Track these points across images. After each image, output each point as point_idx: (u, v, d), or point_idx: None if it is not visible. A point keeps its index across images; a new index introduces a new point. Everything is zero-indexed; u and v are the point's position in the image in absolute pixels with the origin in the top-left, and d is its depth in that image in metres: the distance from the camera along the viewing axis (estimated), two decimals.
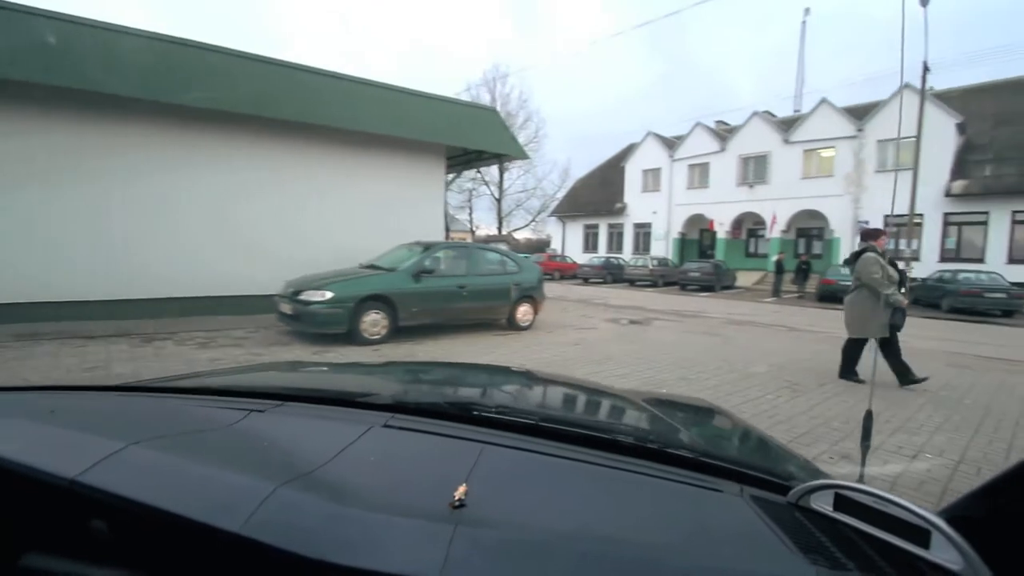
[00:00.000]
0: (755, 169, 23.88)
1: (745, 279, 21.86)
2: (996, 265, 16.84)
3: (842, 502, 0.64)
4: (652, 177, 28.16)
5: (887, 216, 19.85)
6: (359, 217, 8.93)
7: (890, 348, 5.00)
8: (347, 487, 0.61)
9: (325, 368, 1.78)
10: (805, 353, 6.90)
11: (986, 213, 18.02)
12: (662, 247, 27.21)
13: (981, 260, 17.69)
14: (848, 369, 5.30)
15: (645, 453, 0.79)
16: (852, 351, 5.27)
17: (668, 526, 0.63)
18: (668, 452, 0.80)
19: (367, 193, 9.09)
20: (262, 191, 7.97)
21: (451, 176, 22.27)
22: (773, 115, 24.88)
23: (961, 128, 18.72)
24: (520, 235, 49.86)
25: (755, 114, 24.05)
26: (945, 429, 3.84)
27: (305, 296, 5.91)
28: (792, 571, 0.54)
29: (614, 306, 12.74)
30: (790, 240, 23.46)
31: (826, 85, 58.55)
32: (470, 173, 42.76)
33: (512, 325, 7.53)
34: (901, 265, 6.96)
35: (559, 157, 55.83)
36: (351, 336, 6.00)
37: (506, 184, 45.17)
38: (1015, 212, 17.46)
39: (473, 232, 50.43)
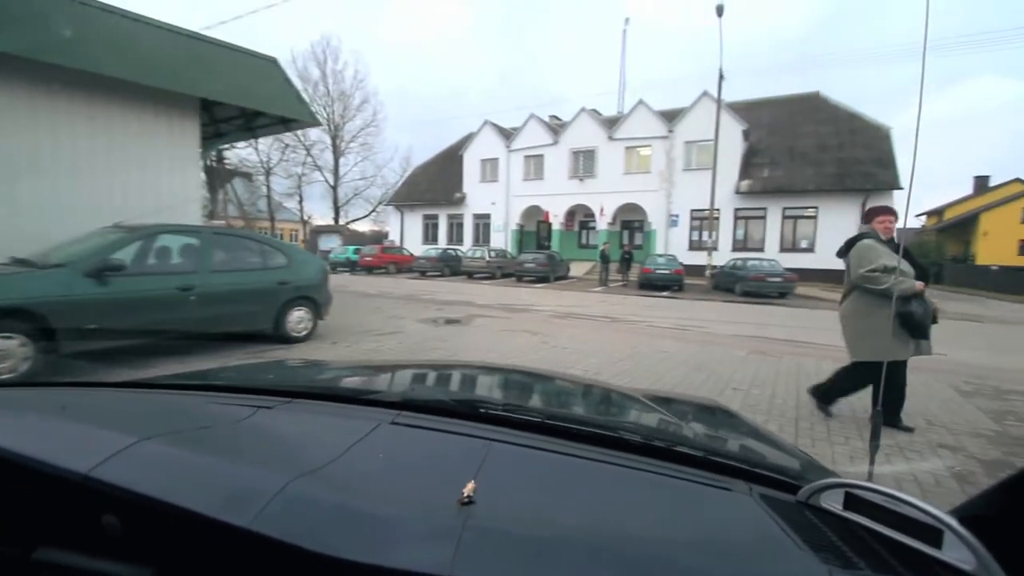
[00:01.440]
0: (584, 163, 24.79)
1: (578, 269, 22.52)
2: (772, 253, 19.62)
3: (853, 501, 0.64)
4: (490, 167, 27.70)
5: (693, 211, 22.13)
6: (100, 185, 6.60)
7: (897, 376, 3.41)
8: (356, 483, 0.61)
9: (333, 366, 1.76)
10: (623, 350, 6.35)
11: (764, 209, 20.95)
12: (501, 238, 26.97)
13: (761, 249, 20.51)
14: (830, 398, 3.82)
15: (653, 451, 0.78)
16: (858, 378, 3.61)
17: (677, 524, 0.62)
18: (676, 450, 0.80)
19: (107, 155, 6.75)
20: None
21: (225, 146, 18.43)
22: (599, 113, 26.08)
23: (746, 135, 21.47)
24: (362, 227, 46.31)
25: (583, 110, 24.92)
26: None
27: None
28: (803, 570, 0.54)
29: (441, 302, 11.46)
30: (616, 232, 24.92)
31: (645, 86, 65.08)
32: (297, 151, 38.28)
33: (281, 336, 5.65)
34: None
35: (402, 143, 53.13)
36: None
37: (342, 170, 41.41)
38: (785, 208, 20.57)
39: (305, 222, 45.36)
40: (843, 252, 3.65)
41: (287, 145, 38.85)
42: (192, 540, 0.54)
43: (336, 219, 41.26)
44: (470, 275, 21.36)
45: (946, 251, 35.63)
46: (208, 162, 36.91)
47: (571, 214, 25.95)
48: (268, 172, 40.43)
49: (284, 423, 0.82)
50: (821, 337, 8.10)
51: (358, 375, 1.48)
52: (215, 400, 0.92)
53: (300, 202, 43.67)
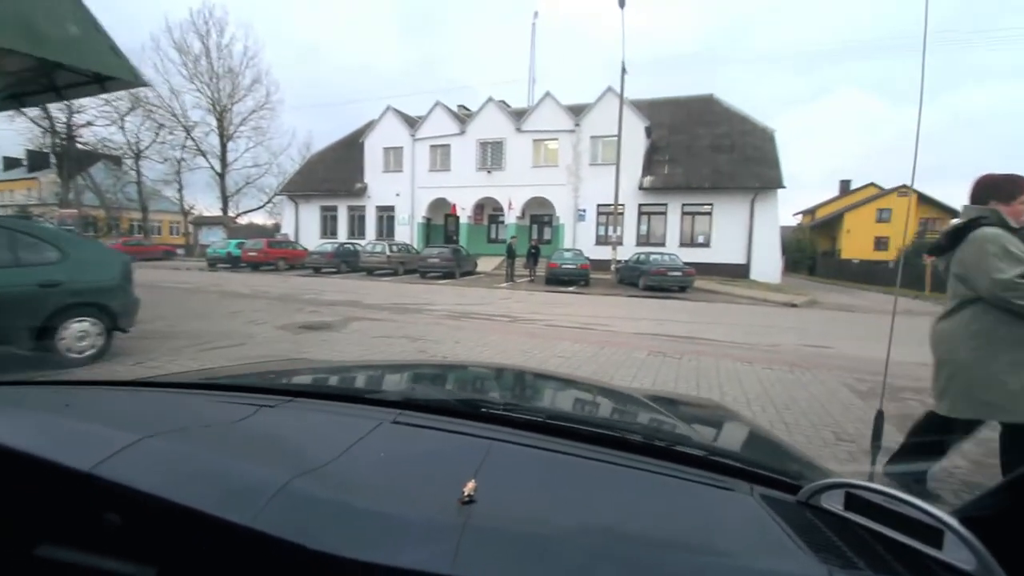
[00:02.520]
0: (492, 155, 24.01)
1: (487, 264, 21.72)
2: (673, 248, 20.17)
3: (853, 501, 0.64)
4: (394, 156, 26.03)
5: (600, 205, 22.22)
6: None
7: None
8: (357, 482, 0.61)
9: (334, 365, 1.78)
10: (514, 356, 5.57)
11: (665, 205, 21.52)
12: (407, 232, 25.49)
13: (664, 244, 21.04)
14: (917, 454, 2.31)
15: (653, 451, 0.78)
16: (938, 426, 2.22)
17: (678, 524, 0.62)
18: (676, 450, 0.79)
19: None
20: None
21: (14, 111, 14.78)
22: (507, 104, 25.39)
23: (649, 132, 21.89)
24: (256, 218, 42.00)
25: (490, 100, 24.10)
26: None
27: None
28: (803, 570, 0.54)
29: (323, 302, 10.04)
30: (525, 226, 24.48)
31: (558, 82, 65.78)
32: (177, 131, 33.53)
33: (50, 358, 4.13)
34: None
35: (303, 129, 48.68)
36: None
37: (232, 156, 37.12)
38: (684, 204, 21.25)
39: (186, 213, 40.32)
40: (946, 246, 2.21)
41: (161, 125, 34.17)
42: (194, 538, 0.53)
43: (224, 210, 36.98)
44: (370, 272, 19.77)
45: (818, 246, 39.60)
46: (57, 141, 31.37)
47: (480, 207, 25.10)
48: (138, 156, 35.34)
49: (286, 422, 0.82)
50: (718, 332, 7.92)
51: (360, 374, 1.49)
52: (217, 399, 0.93)
53: (180, 190, 38.76)
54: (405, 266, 19.62)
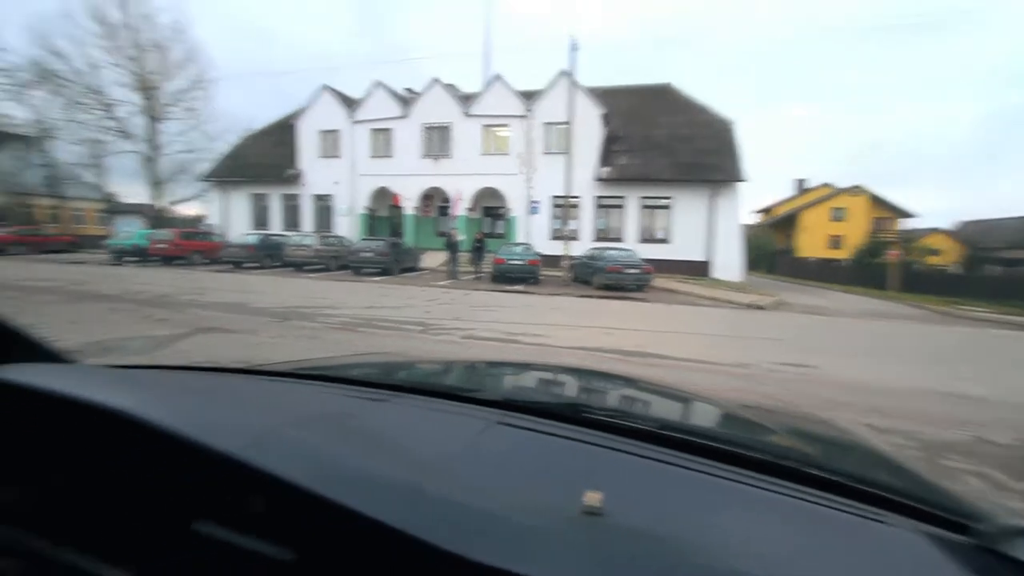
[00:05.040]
0: (439, 141, 22.09)
1: (434, 260, 19.87)
2: (632, 244, 18.87)
3: None
4: (331, 141, 23.70)
5: (555, 197, 20.69)
6: None
7: None
8: (476, 484, 0.61)
9: (432, 360, 1.79)
10: None
11: (623, 197, 20.19)
12: (349, 224, 23.28)
13: (621, 240, 19.72)
14: None
15: (780, 471, 0.70)
16: None
17: (824, 557, 0.56)
18: (809, 473, 0.71)
19: None
20: None
21: None
22: (456, 88, 23.42)
23: (606, 119, 20.47)
24: (193, 209, 38.34)
25: (435, 81, 22.11)
26: None
27: None
28: None
29: (199, 304, 8.01)
30: (477, 219, 22.71)
31: (514, 68, 64.33)
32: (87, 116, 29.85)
33: None
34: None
35: (245, 114, 44.90)
36: None
37: (164, 140, 33.48)
38: (642, 197, 19.97)
39: (108, 201, 36.42)
40: None
41: (76, 102, 30.37)
42: (327, 526, 0.54)
43: (156, 198, 33.36)
44: (298, 267, 17.61)
45: (776, 244, 39.61)
46: None
47: (428, 198, 23.12)
48: (44, 135, 31.40)
49: (399, 417, 0.83)
50: (676, 344, 6.43)
51: (459, 372, 1.49)
52: (330, 390, 0.94)
53: (99, 176, 34.80)
54: (338, 261, 17.52)
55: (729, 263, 18.76)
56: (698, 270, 18.86)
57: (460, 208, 21.30)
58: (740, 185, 18.74)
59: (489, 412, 0.83)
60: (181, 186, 35.13)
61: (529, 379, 1.47)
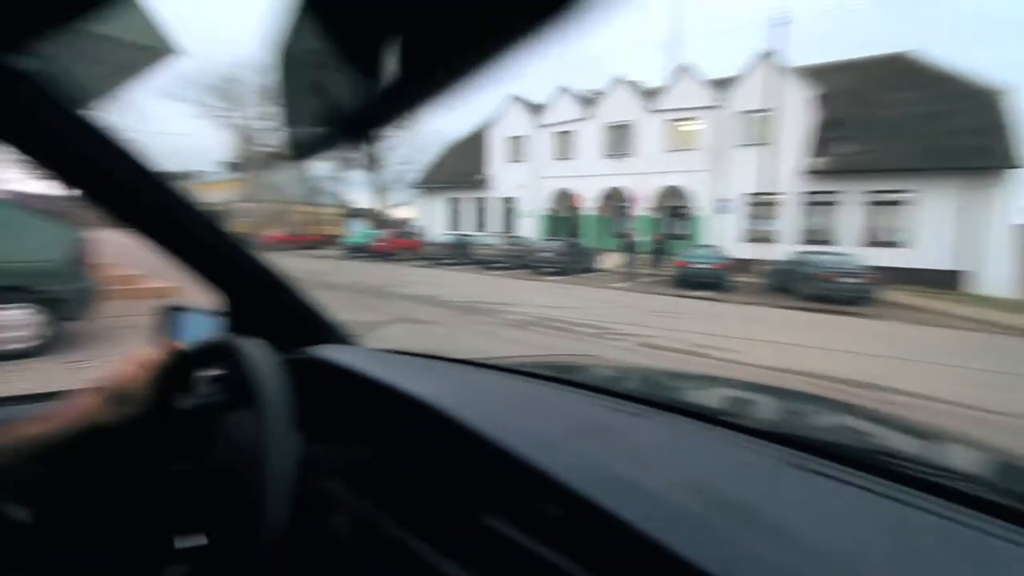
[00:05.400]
0: (620, 140, 21.61)
1: (612, 261, 19.56)
2: (850, 247, 15.75)
3: None
4: (517, 146, 25.08)
5: (749, 195, 18.50)
6: None
7: None
8: (782, 533, 0.52)
9: (677, 374, 1.66)
10: None
11: (840, 193, 17.00)
12: (531, 225, 24.39)
13: (836, 242, 16.64)
14: None
15: None
16: None
17: None
18: None
19: None
20: None
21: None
22: (638, 83, 22.53)
23: (817, 103, 17.50)
24: (403, 211, 45.06)
25: (617, 80, 21.64)
26: None
27: None
28: None
29: (402, 296, 9.17)
30: (658, 219, 21.61)
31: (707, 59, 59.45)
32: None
33: None
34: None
35: (441, 127, 50.75)
36: None
37: (385, 154, 40.13)
38: (868, 193, 16.53)
39: (345, 205, 44.80)
40: None
41: None
42: (617, 546, 0.50)
43: (378, 203, 40.12)
44: (485, 265, 19.08)
45: None
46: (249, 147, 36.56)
47: (608, 198, 22.85)
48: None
49: (669, 439, 0.74)
50: (927, 380, 5.04)
51: (708, 390, 1.34)
52: (583, 398, 0.88)
53: (339, 186, 43.20)
54: (519, 260, 18.46)
55: (997, 274, 14.35)
56: (945, 281, 14.85)
57: (640, 207, 20.52)
58: (1014, 173, 14.15)
59: (769, 447, 0.70)
60: (397, 192, 41.47)
61: (792, 408, 1.24)
